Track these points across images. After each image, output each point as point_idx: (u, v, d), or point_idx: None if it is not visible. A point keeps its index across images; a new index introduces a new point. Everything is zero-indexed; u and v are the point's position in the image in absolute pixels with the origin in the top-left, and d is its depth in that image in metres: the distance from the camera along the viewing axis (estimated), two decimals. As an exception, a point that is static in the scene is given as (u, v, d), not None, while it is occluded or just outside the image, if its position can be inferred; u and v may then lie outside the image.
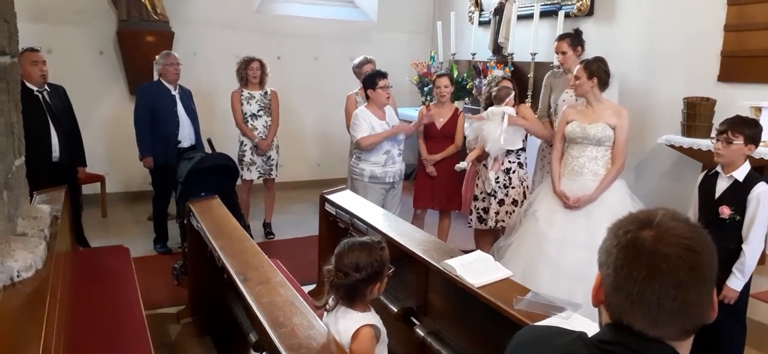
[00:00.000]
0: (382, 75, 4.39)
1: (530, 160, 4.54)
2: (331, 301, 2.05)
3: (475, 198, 4.30)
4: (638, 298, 0.93)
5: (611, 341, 0.98)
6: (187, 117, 4.88)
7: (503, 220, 4.15)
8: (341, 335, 1.97)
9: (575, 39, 4.40)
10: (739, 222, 2.89)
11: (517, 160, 4.18)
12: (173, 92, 4.82)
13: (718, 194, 2.97)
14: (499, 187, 4.14)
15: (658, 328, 0.94)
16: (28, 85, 4.13)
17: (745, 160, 2.93)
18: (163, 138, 4.72)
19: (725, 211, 2.91)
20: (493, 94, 4.18)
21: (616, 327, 0.98)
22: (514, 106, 4.15)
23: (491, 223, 4.19)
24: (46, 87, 4.30)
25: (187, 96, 4.95)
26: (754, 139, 2.88)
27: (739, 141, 2.87)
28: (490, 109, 4.20)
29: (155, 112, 4.73)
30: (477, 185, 4.30)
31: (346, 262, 1.99)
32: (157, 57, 4.89)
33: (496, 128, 4.07)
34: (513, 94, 4.14)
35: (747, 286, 2.98)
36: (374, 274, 2.01)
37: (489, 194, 4.17)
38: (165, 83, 4.81)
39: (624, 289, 0.95)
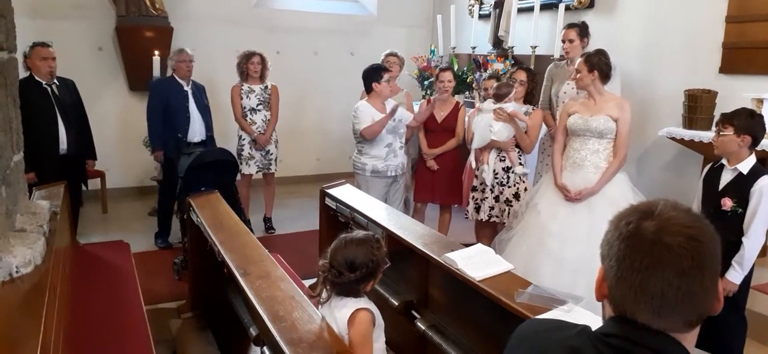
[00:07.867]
0: (387, 69, 4.42)
1: (530, 163, 4.51)
2: (324, 294, 2.05)
3: (474, 189, 4.28)
4: (641, 289, 0.92)
5: (615, 334, 0.96)
6: (199, 112, 4.90)
7: (497, 216, 4.14)
8: (338, 323, 1.98)
9: (583, 30, 4.41)
10: (740, 215, 2.86)
11: (518, 161, 4.14)
12: (186, 88, 4.85)
13: (721, 186, 2.94)
14: (497, 183, 4.12)
15: (662, 320, 0.93)
16: (37, 78, 4.25)
17: (750, 153, 2.88)
18: (173, 133, 4.74)
19: (727, 203, 2.88)
20: (492, 90, 4.16)
21: (619, 320, 0.97)
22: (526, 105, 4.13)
23: (483, 216, 4.17)
24: (55, 80, 4.37)
25: (199, 91, 4.97)
26: (747, 129, 2.82)
27: (728, 132, 2.84)
28: (485, 102, 4.20)
29: (167, 107, 4.76)
30: (476, 176, 4.29)
31: (339, 260, 1.98)
32: (170, 53, 4.92)
33: (485, 122, 4.07)
34: (513, 92, 4.10)
35: (748, 279, 2.96)
36: (368, 274, 2.00)
37: (484, 186, 4.16)
38: (178, 79, 4.84)
39: (627, 281, 0.94)
